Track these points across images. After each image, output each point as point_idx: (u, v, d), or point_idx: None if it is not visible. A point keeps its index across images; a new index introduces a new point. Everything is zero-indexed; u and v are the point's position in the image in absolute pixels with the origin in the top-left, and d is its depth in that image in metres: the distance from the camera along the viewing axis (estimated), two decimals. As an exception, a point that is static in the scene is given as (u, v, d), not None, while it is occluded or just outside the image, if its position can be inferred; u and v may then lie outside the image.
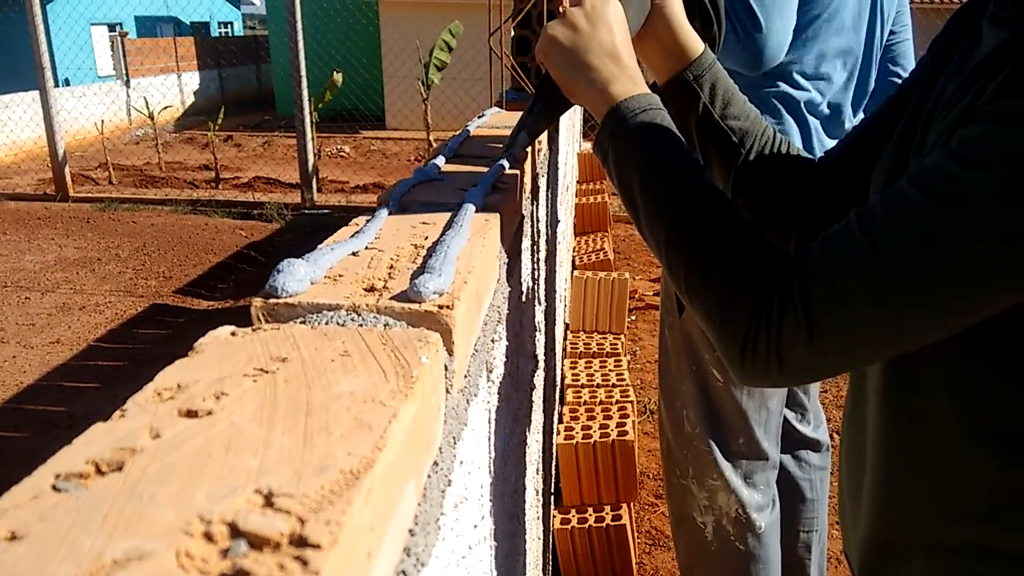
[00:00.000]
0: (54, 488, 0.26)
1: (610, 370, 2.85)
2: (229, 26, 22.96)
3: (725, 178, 0.85)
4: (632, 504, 2.49)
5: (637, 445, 3.08)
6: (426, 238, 0.55)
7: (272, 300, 0.42)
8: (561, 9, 0.79)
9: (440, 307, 0.42)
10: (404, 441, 0.31)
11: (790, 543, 1.85)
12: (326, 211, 7.58)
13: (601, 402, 2.64)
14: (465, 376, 0.48)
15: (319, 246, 0.51)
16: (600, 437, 2.39)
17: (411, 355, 0.36)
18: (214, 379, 0.33)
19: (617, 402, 2.62)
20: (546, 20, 1.55)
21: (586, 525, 2.33)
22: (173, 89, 17.04)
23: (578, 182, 5.59)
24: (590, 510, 2.38)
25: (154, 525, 0.24)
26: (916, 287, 0.55)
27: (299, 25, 7.21)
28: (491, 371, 0.61)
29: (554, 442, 2.36)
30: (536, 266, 1.26)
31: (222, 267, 5.46)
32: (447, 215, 0.61)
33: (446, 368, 0.40)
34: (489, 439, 0.61)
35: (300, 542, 0.23)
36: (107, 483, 0.26)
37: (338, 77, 10.07)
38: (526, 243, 1.01)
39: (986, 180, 0.53)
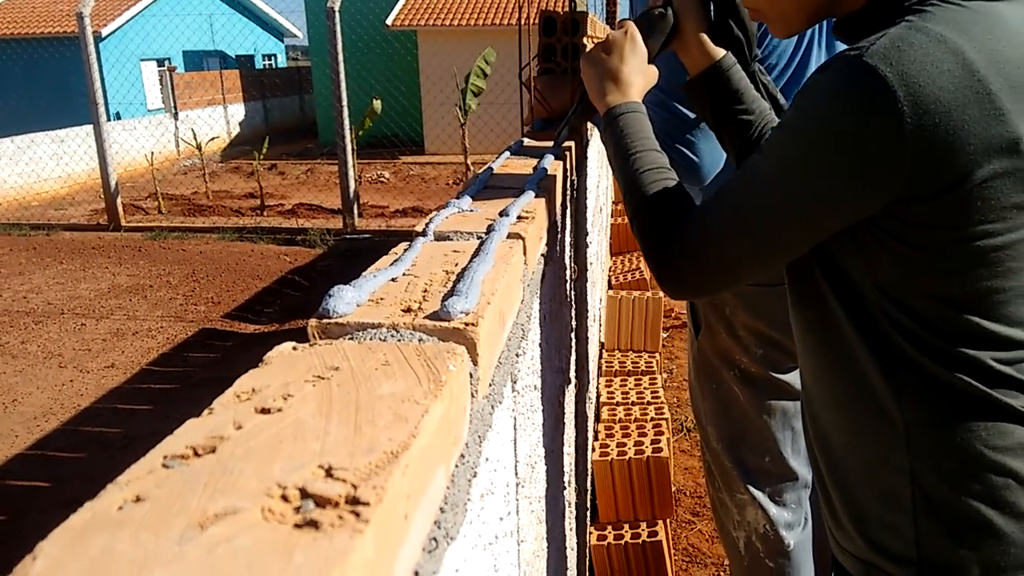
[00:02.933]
0: (163, 466, 0.34)
1: (645, 388, 2.90)
2: (273, 58, 23.59)
3: (734, 152, 1.07)
4: (668, 521, 2.53)
5: (672, 462, 3.11)
6: (456, 264, 0.62)
7: (325, 320, 0.50)
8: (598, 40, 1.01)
9: (466, 324, 0.49)
10: (434, 432, 0.38)
11: (823, 562, 1.86)
12: (367, 236, 7.75)
13: (636, 419, 2.68)
14: (490, 384, 0.55)
15: (363, 273, 0.59)
16: (635, 454, 2.43)
17: (441, 364, 0.43)
18: (281, 384, 0.41)
19: (652, 419, 2.67)
20: (571, 54, 1.63)
21: (622, 541, 2.37)
22: (219, 120, 17.55)
23: (613, 203, 5.65)
24: (626, 526, 2.42)
25: (243, 490, 0.31)
26: (752, 225, 0.81)
27: (340, 56, 7.43)
28: (516, 382, 0.68)
29: (589, 459, 2.41)
30: (565, 286, 1.32)
31: (268, 292, 5.62)
32: (476, 243, 0.69)
33: (471, 376, 0.48)
34: (514, 443, 0.68)
35: (353, 501, 0.30)
36: (203, 462, 0.34)
37: (377, 104, 10.32)
38: (553, 265, 1.08)
39: (769, 159, 0.80)
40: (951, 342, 0.77)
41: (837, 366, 0.85)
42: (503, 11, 14.80)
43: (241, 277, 5.96)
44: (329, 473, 0.32)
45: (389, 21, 14.81)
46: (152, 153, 11.65)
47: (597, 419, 2.76)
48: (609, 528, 2.42)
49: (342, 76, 7.45)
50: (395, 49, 15.00)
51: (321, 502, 0.30)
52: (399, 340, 0.48)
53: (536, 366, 0.89)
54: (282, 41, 24.35)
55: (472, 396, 0.48)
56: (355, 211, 8.03)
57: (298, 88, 20.94)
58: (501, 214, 0.79)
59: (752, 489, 1.69)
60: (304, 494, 0.31)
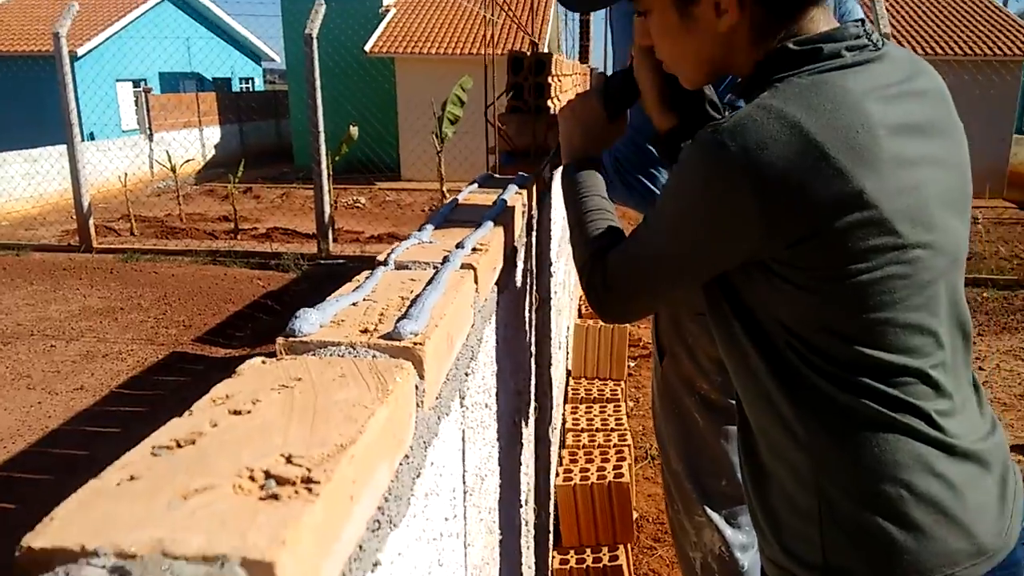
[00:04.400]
0: (152, 453, 0.41)
1: (609, 415, 2.97)
2: (250, 81, 23.65)
3: None
4: (629, 545, 2.59)
5: (636, 489, 3.18)
6: (411, 292, 0.70)
7: (291, 339, 0.57)
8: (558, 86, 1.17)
9: (415, 344, 0.56)
10: (379, 431, 0.46)
11: None
12: (341, 260, 7.78)
13: (599, 446, 2.75)
14: (437, 397, 0.63)
15: (328, 298, 0.67)
16: (597, 479, 2.50)
17: (389, 376, 0.51)
18: (251, 391, 0.48)
19: (615, 446, 2.74)
20: (534, 93, 1.73)
21: (584, 566, 2.42)
22: (195, 143, 17.52)
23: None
24: (588, 551, 2.48)
25: (218, 471, 0.38)
26: (649, 265, 0.97)
27: (317, 82, 7.51)
28: (464, 398, 0.76)
29: (552, 483, 2.47)
30: (524, 313, 1.40)
31: (240, 316, 5.64)
32: (431, 272, 0.76)
33: (416, 388, 0.55)
34: (462, 452, 0.75)
35: (307, 480, 0.38)
36: (185, 451, 0.41)
37: (354, 130, 10.40)
38: (509, 293, 1.15)
39: (657, 216, 0.95)
40: (846, 370, 0.86)
41: (753, 392, 0.95)
42: (480, 41, 15.03)
43: (213, 301, 5.98)
44: (289, 460, 0.40)
45: (367, 48, 14.96)
46: (126, 174, 11.62)
47: (562, 445, 2.83)
48: (571, 552, 2.48)
49: (319, 102, 7.52)
50: (372, 76, 15.14)
51: (281, 481, 0.38)
52: (355, 356, 0.55)
53: (489, 385, 0.96)
54: (260, 65, 24.43)
55: (418, 406, 0.56)
56: (330, 236, 8.07)
57: (275, 112, 20.99)
58: (457, 246, 0.87)
59: (709, 511, 1.76)
60: (268, 475, 0.38)
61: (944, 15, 14.58)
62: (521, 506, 1.39)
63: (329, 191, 8.08)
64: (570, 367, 3.55)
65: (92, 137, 16.29)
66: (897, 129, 0.85)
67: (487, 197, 1.24)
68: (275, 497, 0.36)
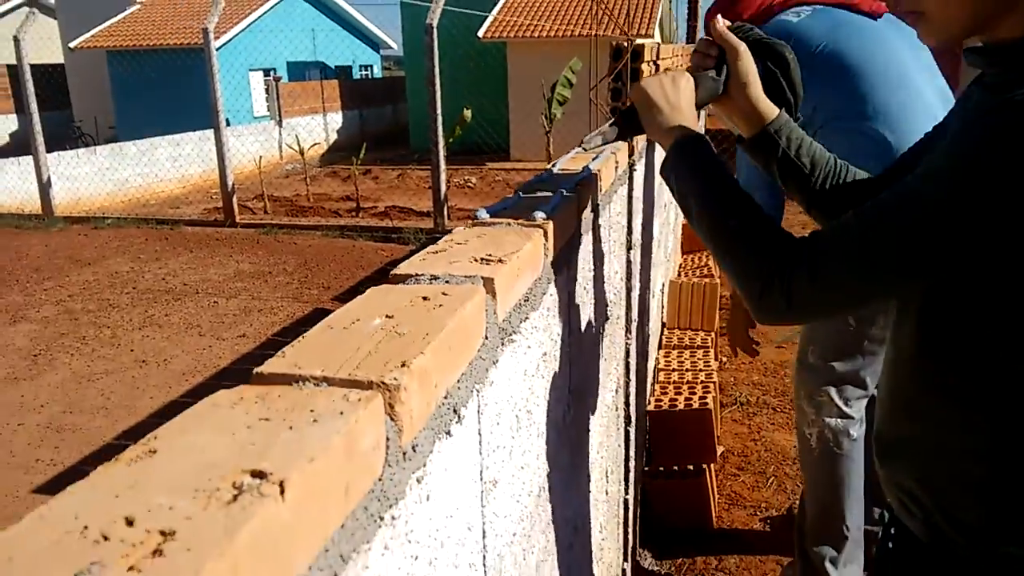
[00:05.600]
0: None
1: (699, 359, 3.35)
2: (369, 68, 24.76)
3: (802, 198, 1.16)
4: (713, 466, 2.97)
5: (724, 428, 3.55)
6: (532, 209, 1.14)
7: (475, 221, 1.03)
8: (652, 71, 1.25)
9: (543, 221, 1.01)
10: (528, 254, 0.91)
11: (868, 462, 2.28)
12: (456, 234, 8.34)
13: (688, 382, 3.14)
14: (552, 262, 1.07)
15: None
16: (684, 406, 2.89)
17: (532, 232, 0.95)
18: (464, 242, 0.94)
19: (702, 383, 3.12)
20: (628, 78, 2.14)
21: (672, 480, 2.83)
22: (319, 128, 18.65)
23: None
24: (676, 468, 2.88)
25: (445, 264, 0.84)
26: (877, 257, 0.82)
27: (436, 70, 8.04)
28: (576, 280, 1.20)
29: (644, 412, 2.88)
30: (605, 262, 1.82)
31: (370, 279, 6.30)
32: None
33: (544, 245, 1.00)
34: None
35: (498, 261, 0.83)
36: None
37: (468, 114, 10.93)
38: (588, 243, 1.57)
39: (935, 183, 0.78)
40: None
41: (930, 378, 0.92)
42: (590, 21, 15.31)
43: (347, 267, 6.66)
44: (485, 260, 0.85)
45: (480, 33, 15.49)
46: (260, 157, 12.62)
47: (656, 381, 3.23)
48: (661, 469, 2.89)
49: (438, 88, 8.03)
50: (485, 60, 15.68)
51: (488, 260, 0.83)
52: (511, 228, 1.00)
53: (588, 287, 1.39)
54: (378, 52, 25.50)
55: (545, 255, 1.00)
56: (445, 212, 8.66)
57: (393, 97, 21.94)
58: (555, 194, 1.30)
59: (831, 390, 2.11)
60: (482, 260, 0.84)
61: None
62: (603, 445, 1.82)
63: (444, 171, 8.65)
64: (664, 320, 3.94)
65: (228, 123, 17.60)
66: None
67: (580, 163, 1.62)
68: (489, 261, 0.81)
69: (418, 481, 0.57)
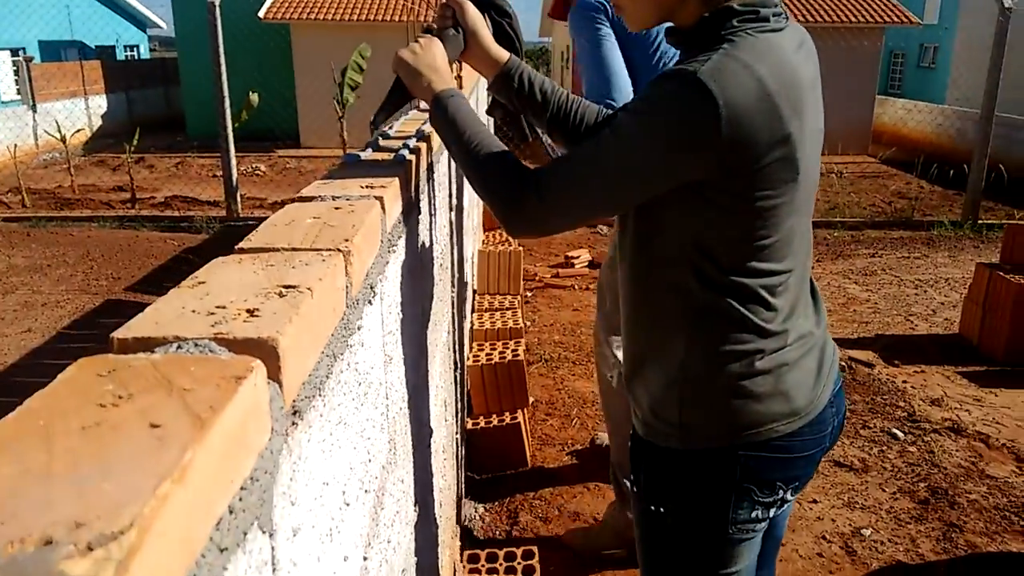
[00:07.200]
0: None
1: (508, 319, 3.67)
2: (135, 49, 22.95)
3: (543, 124, 1.37)
4: (526, 411, 3.30)
5: (532, 381, 3.91)
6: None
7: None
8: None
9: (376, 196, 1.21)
10: (367, 228, 1.11)
11: None
12: (252, 221, 8.11)
13: (500, 339, 3.45)
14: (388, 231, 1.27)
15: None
16: (499, 359, 3.19)
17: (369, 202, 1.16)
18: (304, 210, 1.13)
19: (512, 339, 3.44)
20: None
21: (491, 425, 3.12)
22: (81, 113, 17.05)
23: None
24: (494, 415, 3.18)
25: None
26: (597, 182, 1.05)
27: (221, 50, 7.76)
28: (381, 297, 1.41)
29: (464, 365, 3.14)
30: (430, 240, 2.04)
31: (164, 269, 6.03)
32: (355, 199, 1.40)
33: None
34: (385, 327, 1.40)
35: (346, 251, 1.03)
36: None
37: (254, 97, 10.56)
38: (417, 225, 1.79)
39: (618, 136, 1.03)
40: (729, 273, 1.06)
41: (643, 289, 1.15)
42: (375, 7, 15.31)
43: (136, 256, 6.32)
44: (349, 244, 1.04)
45: (261, 14, 14.97)
46: (15, 146, 11.36)
47: (472, 339, 3.51)
48: (480, 417, 3.17)
49: (223, 69, 7.76)
50: (267, 42, 15.17)
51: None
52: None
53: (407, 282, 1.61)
54: (145, 32, 23.69)
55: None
56: (238, 199, 8.38)
57: (164, 80, 20.52)
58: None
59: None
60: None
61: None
62: (439, 390, 2.04)
63: (234, 157, 8.34)
64: (475, 287, 4.23)
65: (-32, 108, 15.62)
66: (811, 83, 1.06)
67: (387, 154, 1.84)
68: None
69: (358, 325, 0.76)
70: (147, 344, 0.48)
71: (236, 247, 0.71)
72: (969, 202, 7.86)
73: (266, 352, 0.47)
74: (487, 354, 3.26)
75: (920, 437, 3.42)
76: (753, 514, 1.14)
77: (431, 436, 1.53)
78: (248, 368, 0.44)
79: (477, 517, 2.85)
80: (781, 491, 1.15)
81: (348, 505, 0.68)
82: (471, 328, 3.62)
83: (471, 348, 3.35)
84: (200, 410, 0.39)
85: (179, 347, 0.47)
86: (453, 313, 2.36)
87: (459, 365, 2.68)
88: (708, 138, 0.96)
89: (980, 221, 7.74)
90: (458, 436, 2.48)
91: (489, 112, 1.48)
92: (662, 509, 1.17)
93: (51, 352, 4.28)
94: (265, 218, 0.80)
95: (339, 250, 0.69)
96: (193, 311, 0.51)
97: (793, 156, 1.02)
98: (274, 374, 0.48)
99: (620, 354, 2.46)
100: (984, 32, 9.33)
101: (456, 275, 2.60)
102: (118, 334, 0.49)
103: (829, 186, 9.56)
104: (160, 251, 6.61)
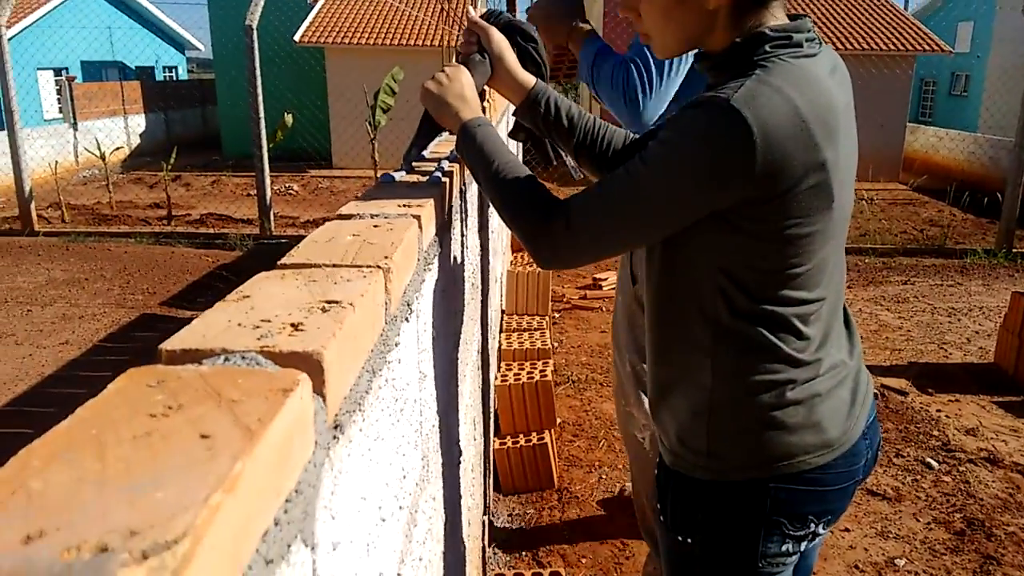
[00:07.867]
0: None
1: (536, 339, 3.67)
2: (174, 70, 23.46)
3: (570, 149, 1.36)
4: (553, 432, 3.29)
5: (559, 403, 3.90)
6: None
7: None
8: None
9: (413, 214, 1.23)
10: (404, 247, 1.12)
11: None
12: (284, 239, 8.22)
13: (528, 359, 3.44)
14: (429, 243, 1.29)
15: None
16: (527, 379, 3.19)
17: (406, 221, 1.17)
18: (335, 231, 1.14)
19: (540, 359, 3.43)
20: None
21: (518, 446, 3.11)
22: (120, 131, 17.44)
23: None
24: (521, 435, 3.17)
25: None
26: (621, 212, 1.02)
27: (258, 72, 7.91)
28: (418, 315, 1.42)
29: (492, 385, 3.15)
30: (461, 259, 2.06)
31: (199, 284, 6.12)
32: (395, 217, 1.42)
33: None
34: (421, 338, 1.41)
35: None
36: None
37: (288, 118, 10.76)
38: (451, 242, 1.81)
39: (650, 167, 1.00)
40: (760, 302, 1.04)
41: (671, 317, 1.12)
42: (408, 32, 15.53)
43: (172, 272, 6.42)
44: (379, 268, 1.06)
45: (296, 37, 15.25)
46: (56, 163, 11.64)
47: (500, 360, 3.51)
48: (508, 437, 3.16)
49: (259, 91, 7.90)
50: (301, 65, 15.44)
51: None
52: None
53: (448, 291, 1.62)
54: (183, 54, 24.23)
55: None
56: (271, 217, 8.49)
57: (201, 100, 20.93)
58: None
59: None
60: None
61: (847, 14, 15.75)
62: (468, 408, 2.05)
63: (268, 176, 8.46)
64: (504, 307, 4.24)
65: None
66: (845, 109, 1.05)
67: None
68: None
69: (395, 342, 0.77)
70: (195, 356, 0.49)
71: (278, 263, 0.72)
72: (1003, 230, 7.72)
73: (311, 366, 0.48)
74: (515, 374, 3.26)
75: (955, 467, 3.35)
76: (784, 547, 1.12)
77: (461, 455, 1.53)
78: (295, 381, 0.45)
79: (504, 537, 2.83)
80: (812, 524, 1.12)
81: (384, 521, 0.68)
82: (499, 348, 3.62)
83: (499, 368, 3.35)
84: (249, 421, 0.40)
85: (226, 359, 0.48)
86: (482, 332, 2.37)
87: (487, 384, 2.69)
88: (742, 167, 0.95)
89: (1015, 250, 7.60)
90: (485, 455, 2.47)
91: (512, 135, 1.47)
92: (690, 540, 1.15)
93: (88, 364, 4.35)
94: (298, 236, 0.81)
95: (379, 267, 0.70)
96: (239, 324, 0.52)
97: (828, 183, 1.00)
98: (318, 388, 0.49)
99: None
100: (1018, 61, 9.21)
101: (485, 295, 2.61)
102: (166, 345, 0.50)
103: (859, 212, 9.46)
104: (195, 267, 6.71)
